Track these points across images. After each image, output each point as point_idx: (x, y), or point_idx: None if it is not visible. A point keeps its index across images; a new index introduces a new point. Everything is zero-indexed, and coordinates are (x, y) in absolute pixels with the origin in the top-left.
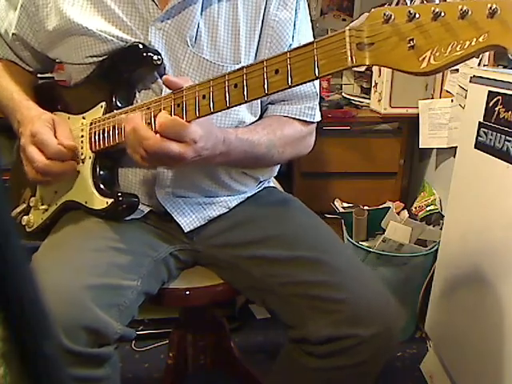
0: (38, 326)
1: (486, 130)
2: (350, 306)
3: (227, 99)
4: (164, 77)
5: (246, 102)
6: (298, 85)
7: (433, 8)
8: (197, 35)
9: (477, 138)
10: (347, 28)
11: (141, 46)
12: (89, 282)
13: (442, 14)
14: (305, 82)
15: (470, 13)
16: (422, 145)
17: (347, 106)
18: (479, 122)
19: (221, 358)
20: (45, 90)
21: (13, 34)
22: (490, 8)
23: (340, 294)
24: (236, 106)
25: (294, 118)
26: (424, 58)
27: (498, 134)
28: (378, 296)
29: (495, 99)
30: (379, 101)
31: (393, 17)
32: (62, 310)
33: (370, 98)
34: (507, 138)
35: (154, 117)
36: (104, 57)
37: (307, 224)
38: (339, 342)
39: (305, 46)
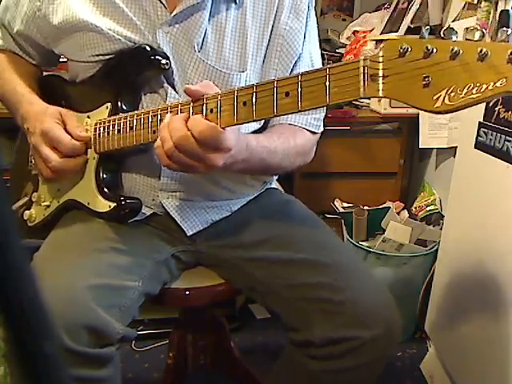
0: (38, 326)
1: (486, 130)
2: (352, 308)
3: (235, 116)
4: (185, 86)
5: (254, 120)
6: (307, 110)
7: (451, 46)
8: (203, 41)
9: (477, 138)
10: (362, 58)
11: (148, 49)
12: (90, 282)
13: (461, 52)
14: (315, 108)
15: (489, 55)
16: (422, 145)
17: (347, 106)
18: (479, 122)
19: (221, 357)
20: (50, 84)
21: (17, 29)
22: (511, 53)
23: (342, 297)
24: (244, 123)
25: (301, 128)
26: (439, 98)
27: (498, 134)
28: (380, 298)
29: (495, 99)
30: (379, 101)
31: (409, 50)
32: (64, 309)
33: (369, 98)
34: (507, 138)
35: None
36: (110, 56)
37: (309, 226)
38: (341, 344)
39: (317, 71)
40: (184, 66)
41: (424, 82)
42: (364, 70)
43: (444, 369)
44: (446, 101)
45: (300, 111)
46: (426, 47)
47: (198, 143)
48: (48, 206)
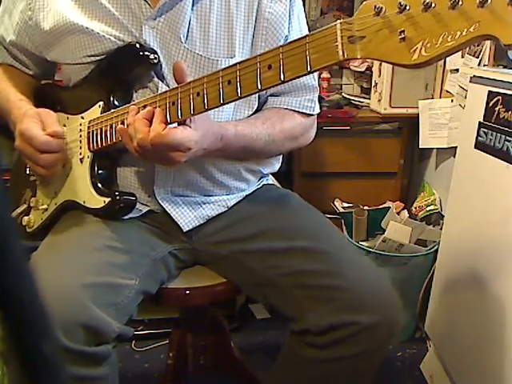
0: (38, 326)
1: (485, 130)
2: (349, 293)
3: (221, 96)
4: (177, 62)
5: (239, 98)
6: (290, 80)
7: None
8: (189, 31)
9: (477, 138)
10: (338, 21)
11: (138, 46)
12: (86, 280)
13: (433, 4)
14: (297, 77)
15: (460, 3)
16: (422, 145)
17: (347, 106)
18: (479, 122)
19: (221, 357)
20: (44, 92)
21: (10, 40)
22: None
23: (339, 282)
24: (230, 102)
25: (293, 111)
26: (415, 50)
27: (498, 134)
28: (378, 284)
29: (495, 99)
30: (379, 101)
31: (383, 9)
32: (60, 308)
33: (370, 98)
34: (507, 138)
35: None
36: (101, 56)
37: (306, 216)
38: (339, 331)
39: (297, 40)
40: (172, 59)
41: (400, 37)
42: (341, 33)
43: (444, 369)
44: (423, 52)
45: (283, 82)
46: (399, 3)
47: (154, 148)
48: (46, 210)
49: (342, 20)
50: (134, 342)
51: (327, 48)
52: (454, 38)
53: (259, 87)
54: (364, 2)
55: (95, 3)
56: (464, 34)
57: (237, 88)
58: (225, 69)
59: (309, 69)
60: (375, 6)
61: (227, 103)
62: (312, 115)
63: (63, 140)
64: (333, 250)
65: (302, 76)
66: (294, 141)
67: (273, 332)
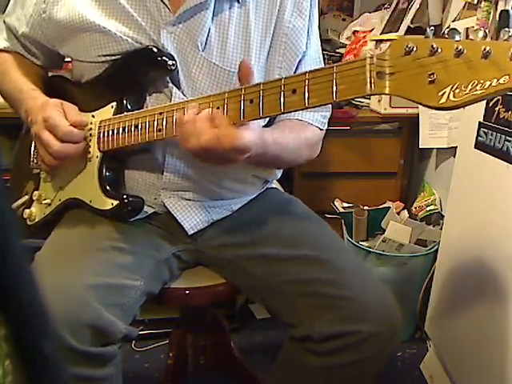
0: (38, 325)
1: (485, 130)
2: (352, 302)
3: (242, 113)
4: (244, 60)
5: (260, 117)
6: (314, 107)
7: (455, 45)
8: (207, 40)
9: (477, 138)
10: (368, 56)
11: (155, 50)
12: (92, 281)
13: (465, 51)
14: (322, 105)
15: (492, 53)
16: (422, 145)
17: (347, 106)
18: (479, 122)
19: (221, 357)
20: (55, 85)
21: (22, 32)
22: None
23: (343, 291)
24: (250, 120)
25: (308, 123)
26: (443, 94)
27: (498, 134)
28: (380, 294)
29: (495, 99)
30: (379, 101)
31: (415, 49)
32: (67, 309)
33: (370, 98)
34: (507, 138)
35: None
36: (116, 56)
37: (309, 224)
38: (342, 339)
39: (324, 69)
40: (188, 66)
41: (429, 79)
42: (371, 68)
43: (444, 369)
44: (451, 97)
45: (307, 108)
46: (432, 46)
47: (224, 150)
48: (49, 205)
49: (372, 55)
50: (134, 341)
51: (355, 80)
52: (484, 87)
53: (282, 110)
54: (396, 40)
55: (114, 2)
56: (494, 84)
57: (259, 108)
58: (247, 87)
59: (335, 98)
60: (407, 46)
61: (248, 121)
62: (322, 130)
63: (84, 131)
64: (336, 258)
65: (327, 104)
66: (311, 149)
67: (273, 332)
